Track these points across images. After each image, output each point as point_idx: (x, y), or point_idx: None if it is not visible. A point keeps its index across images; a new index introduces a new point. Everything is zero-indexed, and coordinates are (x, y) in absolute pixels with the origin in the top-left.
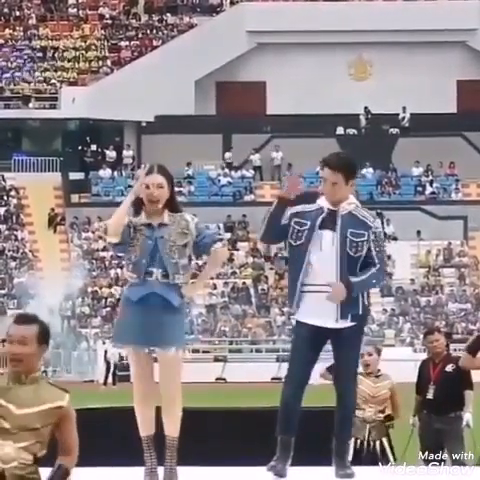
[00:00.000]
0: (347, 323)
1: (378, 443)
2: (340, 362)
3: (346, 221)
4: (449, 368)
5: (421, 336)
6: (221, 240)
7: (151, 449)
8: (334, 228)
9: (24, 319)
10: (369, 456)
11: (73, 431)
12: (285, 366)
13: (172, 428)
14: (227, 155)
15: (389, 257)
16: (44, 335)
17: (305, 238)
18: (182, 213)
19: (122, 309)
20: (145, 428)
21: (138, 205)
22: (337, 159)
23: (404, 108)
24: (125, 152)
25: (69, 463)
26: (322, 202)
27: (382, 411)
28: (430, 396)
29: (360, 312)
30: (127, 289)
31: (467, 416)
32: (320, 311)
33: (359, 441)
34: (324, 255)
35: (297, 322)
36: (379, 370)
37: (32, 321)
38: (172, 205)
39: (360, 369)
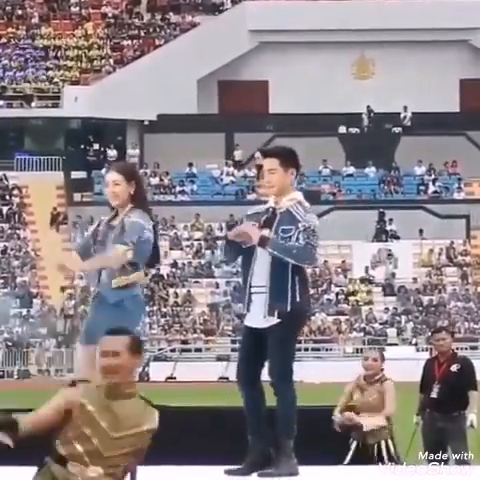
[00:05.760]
0: (273, 321)
1: (381, 445)
2: (271, 362)
3: (281, 219)
4: (454, 368)
5: (423, 335)
6: (127, 245)
7: None
8: (272, 227)
9: (115, 331)
10: (368, 458)
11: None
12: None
13: None
14: (235, 153)
15: (390, 255)
16: (137, 346)
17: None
18: (134, 213)
19: None
20: None
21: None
22: (273, 147)
23: (405, 107)
24: (130, 151)
25: None
26: (271, 202)
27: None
28: (434, 395)
29: (288, 309)
30: None
31: (471, 416)
32: (253, 312)
33: (356, 443)
34: (262, 255)
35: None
36: (383, 375)
37: (123, 332)
38: (136, 201)
39: (362, 378)
